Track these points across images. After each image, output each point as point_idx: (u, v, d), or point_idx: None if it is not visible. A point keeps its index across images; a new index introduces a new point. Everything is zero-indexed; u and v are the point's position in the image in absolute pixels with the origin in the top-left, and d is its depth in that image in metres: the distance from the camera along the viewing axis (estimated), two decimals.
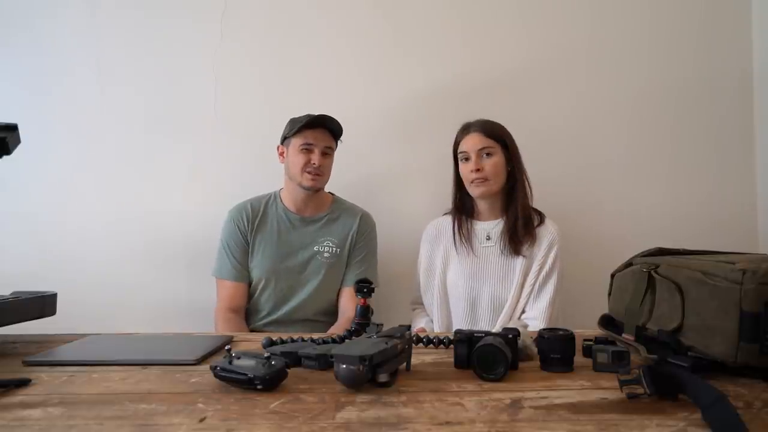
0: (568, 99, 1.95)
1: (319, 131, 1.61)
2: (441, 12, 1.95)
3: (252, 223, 1.66)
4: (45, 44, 1.92)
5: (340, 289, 1.69)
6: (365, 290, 1.01)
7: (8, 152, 0.84)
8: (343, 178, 1.83)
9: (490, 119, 1.63)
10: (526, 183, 1.60)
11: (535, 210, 1.62)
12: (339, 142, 1.68)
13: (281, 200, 1.70)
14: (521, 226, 1.55)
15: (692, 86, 1.96)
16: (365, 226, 1.72)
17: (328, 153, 1.64)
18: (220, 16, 1.93)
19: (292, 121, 1.63)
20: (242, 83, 1.94)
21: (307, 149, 1.61)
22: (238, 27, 1.93)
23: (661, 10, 1.96)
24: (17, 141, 0.85)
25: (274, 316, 1.64)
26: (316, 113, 1.61)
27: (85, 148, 1.92)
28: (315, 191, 1.65)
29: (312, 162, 1.60)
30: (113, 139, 1.92)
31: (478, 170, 1.54)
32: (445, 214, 1.70)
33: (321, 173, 1.62)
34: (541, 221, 1.60)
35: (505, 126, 1.62)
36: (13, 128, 0.84)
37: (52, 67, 1.92)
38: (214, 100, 1.93)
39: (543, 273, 1.55)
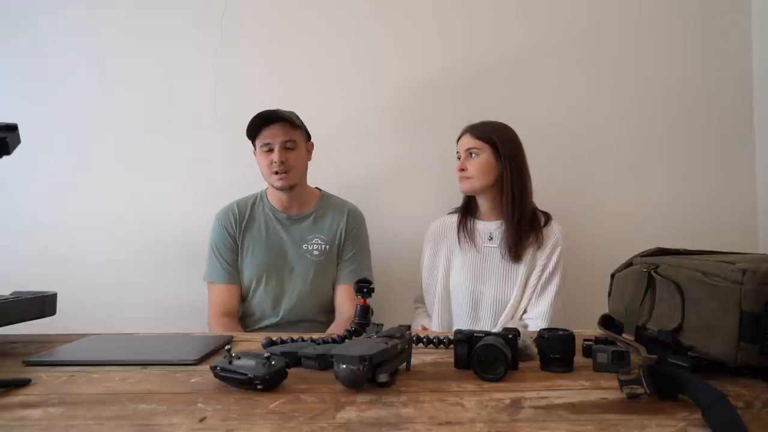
0: (568, 98, 1.95)
1: (275, 127, 1.55)
2: (438, 10, 1.95)
3: (240, 225, 1.65)
4: (45, 44, 1.92)
5: (334, 287, 1.68)
6: (365, 290, 1.01)
7: (8, 152, 0.84)
8: (343, 177, 1.83)
9: (492, 120, 1.63)
10: (526, 183, 1.59)
11: (542, 212, 1.62)
12: (303, 132, 1.62)
13: (268, 199, 1.69)
14: (524, 231, 1.55)
15: (692, 85, 1.96)
16: (354, 222, 1.69)
17: (290, 147, 1.57)
18: (219, 17, 1.93)
19: (249, 121, 1.58)
20: (242, 84, 1.94)
21: (268, 149, 1.57)
22: (238, 27, 1.93)
23: (661, 9, 1.96)
24: (17, 141, 0.85)
25: (269, 320, 1.63)
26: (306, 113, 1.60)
27: (85, 148, 1.92)
28: (289, 189, 1.60)
29: (273, 161, 1.55)
30: (113, 139, 1.92)
31: (462, 170, 1.58)
32: (449, 213, 1.71)
33: (287, 169, 1.56)
34: (547, 222, 1.60)
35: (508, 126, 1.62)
36: (13, 128, 0.84)
37: (52, 67, 1.92)
38: (213, 101, 1.93)
39: (545, 274, 1.56)
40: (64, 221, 1.90)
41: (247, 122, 1.56)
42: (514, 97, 1.94)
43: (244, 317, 1.67)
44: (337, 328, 1.57)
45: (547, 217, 1.61)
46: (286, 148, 1.57)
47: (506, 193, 1.56)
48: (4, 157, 0.84)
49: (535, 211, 1.61)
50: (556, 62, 1.95)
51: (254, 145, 1.64)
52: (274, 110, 1.55)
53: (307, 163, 1.67)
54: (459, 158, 1.62)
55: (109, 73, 1.93)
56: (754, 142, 1.97)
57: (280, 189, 1.60)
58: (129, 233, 1.91)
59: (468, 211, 1.66)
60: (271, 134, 1.56)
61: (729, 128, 1.96)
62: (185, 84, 1.93)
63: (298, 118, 1.61)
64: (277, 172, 1.56)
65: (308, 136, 1.67)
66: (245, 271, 1.64)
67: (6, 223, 1.89)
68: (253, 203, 1.69)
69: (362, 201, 1.79)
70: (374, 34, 1.95)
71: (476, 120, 1.64)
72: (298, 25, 1.94)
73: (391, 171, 1.95)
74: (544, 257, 1.56)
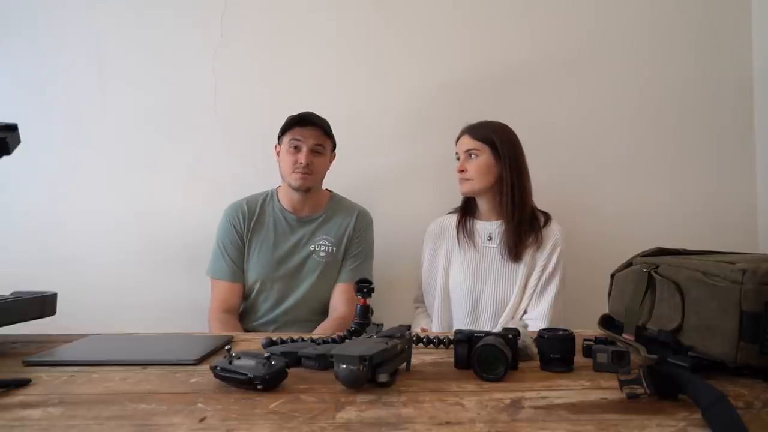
0: (569, 100, 1.95)
1: (309, 129, 1.59)
2: (443, 11, 1.95)
3: (248, 223, 1.65)
4: (45, 44, 1.92)
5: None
6: (365, 290, 1.01)
7: (8, 152, 0.84)
8: (345, 178, 1.83)
9: (492, 120, 1.63)
10: (525, 183, 1.58)
11: (542, 211, 1.62)
12: (332, 141, 1.66)
13: (278, 199, 1.69)
14: (523, 231, 1.55)
15: (693, 87, 1.96)
16: (362, 223, 1.71)
17: (318, 151, 1.60)
18: (220, 16, 1.93)
19: (286, 119, 1.63)
20: (242, 83, 1.94)
21: (296, 147, 1.59)
22: (238, 27, 1.93)
23: (662, 11, 1.96)
24: (17, 141, 0.85)
25: (270, 317, 1.63)
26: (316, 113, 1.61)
27: (85, 148, 1.92)
28: (305, 191, 1.62)
29: (299, 161, 1.57)
30: (113, 139, 1.92)
31: (462, 171, 1.58)
32: (449, 213, 1.71)
33: (309, 172, 1.59)
34: (546, 222, 1.60)
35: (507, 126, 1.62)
36: (13, 128, 0.84)
37: (52, 67, 1.92)
38: (214, 100, 1.93)
39: (545, 274, 1.55)
40: (64, 221, 1.90)
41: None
42: (516, 98, 1.94)
43: (245, 314, 1.66)
44: (329, 326, 1.57)
45: (547, 217, 1.61)
46: (314, 151, 1.60)
47: (506, 193, 1.56)
48: (4, 157, 0.84)
49: (534, 211, 1.61)
50: (559, 63, 1.95)
51: (279, 142, 1.65)
52: (313, 114, 1.60)
53: (326, 171, 1.68)
54: (458, 159, 1.62)
55: (109, 73, 1.93)
56: (754, 142, 1.97)
57: (297, 189, 1.61)
58: (129, 233, 1.91)
59: (467, 211, 1.66)
60: (305, 134, 1.59)
61: (729, 128, 1.96)
62: (185, 84, 1.93)
63: (330, 128, 1.64)
64: (299, 172, 1.58)
65: (334, 147, 1.69)
66: (251, 272, 1.64)
67: (6, 223, 1.89)
68: (263, 201, 1.69)
69: (363, 201, 1.79)
70: (375, 34, 1.95)
71: (478, 120, 1.64)
72: (299, 25, 1.94)
73: (392, 171, 1.95)
74: (544, 258, 1.56)
